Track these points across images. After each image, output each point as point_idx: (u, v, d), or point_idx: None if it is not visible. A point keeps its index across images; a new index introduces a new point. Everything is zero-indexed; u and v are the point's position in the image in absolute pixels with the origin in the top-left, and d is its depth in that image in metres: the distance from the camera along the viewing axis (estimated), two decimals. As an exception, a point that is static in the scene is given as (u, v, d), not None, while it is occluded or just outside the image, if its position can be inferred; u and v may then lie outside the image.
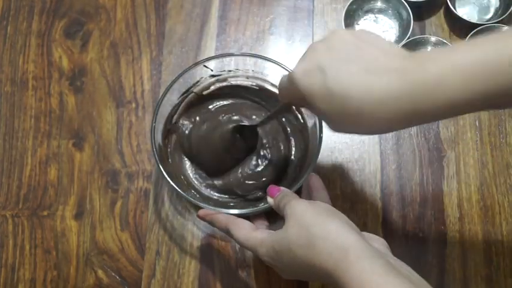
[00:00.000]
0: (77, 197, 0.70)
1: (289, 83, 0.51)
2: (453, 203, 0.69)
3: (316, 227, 0.50)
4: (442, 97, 0.44)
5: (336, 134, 0.71)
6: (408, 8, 0.74)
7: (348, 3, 0.75)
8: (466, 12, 0.77)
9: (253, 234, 0.56)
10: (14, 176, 0.72)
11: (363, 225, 0.68)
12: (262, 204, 0.61)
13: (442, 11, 0.77)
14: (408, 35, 0.73)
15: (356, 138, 0.72)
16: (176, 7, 0.79)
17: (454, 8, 0.75)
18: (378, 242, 0.54)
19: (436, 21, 0.76)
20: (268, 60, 0.67)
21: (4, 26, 0.78)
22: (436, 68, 0.44)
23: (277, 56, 0.76)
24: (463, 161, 0.71)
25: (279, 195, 0.58)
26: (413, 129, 0.72)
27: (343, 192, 0.70)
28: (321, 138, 0.63)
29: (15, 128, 0.74)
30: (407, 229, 0.68)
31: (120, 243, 0.68)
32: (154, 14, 0.78)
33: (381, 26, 0.77)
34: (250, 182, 0.67)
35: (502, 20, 0.74)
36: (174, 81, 0.65)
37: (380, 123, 0.46)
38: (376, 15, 0.77)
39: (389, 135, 0.72)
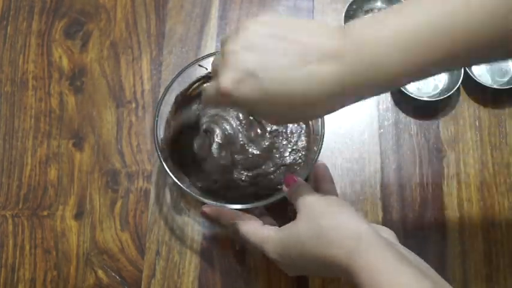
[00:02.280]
0: (77, 197, 0.70)
1: (219, 95, 0.47)
2: (453, 203, 0.69)
3: (326, 218, 0.50)
4: (381, 76, 0.43)
5: (336, 134, 0.72)
6: (408, 8, 0.74)
7: (348, 3, 0.75)
8: (466, 12, 0.77)
9: (260, 230, 0.56)
10: (14, 176, 0.72)
11: (363, 225, 0.68)
12: (266, 199, 0.61)
13: (442, 11, 0.77)
14: (408, 35, 0.73)
15: (356, 138, 0.72)
16: (176, 7, 0.79)
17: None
18: (387, 233, 0.54)
19: (436, 21, 0.76)
20: None
21: (4, 26, 0.78)
22: (371, 48, 0.43)
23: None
24: (463, 161, 0.71)
25: (293, 187, 0.56)
26: (413, 129, 0.72)
27: (343, 192, 0.70)
28: (322, 134, 0.63)
29: (15, 128, 0.74)
30: (407, 229, 0.68)
31: (120, 243, 0.68)
32: (154, 14, 0.78)
33: (381, 26, 0.77)
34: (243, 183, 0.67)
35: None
36: (174, 79, 0.66)
37: (325, 106, 0.47)
38: (376, 15, 0.78)
39: (390, 135, 0.72)
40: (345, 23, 0.74)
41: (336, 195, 0.60)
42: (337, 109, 0.48)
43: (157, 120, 0.64)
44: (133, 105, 0.74)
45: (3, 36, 0.78)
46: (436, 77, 0.74)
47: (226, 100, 0.47)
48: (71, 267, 0.68)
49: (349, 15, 0.76)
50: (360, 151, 0.71)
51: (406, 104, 0.73)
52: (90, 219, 0.69)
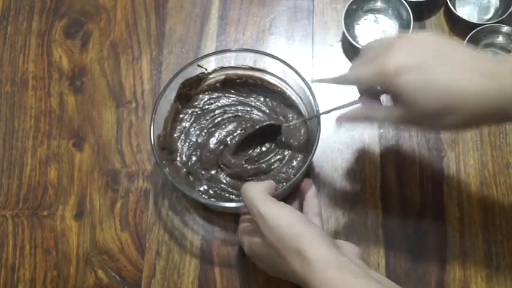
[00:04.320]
0: (77, 197, 0.70)
1: (379, 75, 0.52)
2: (453, 203, 0.69)
3: (290, 241, 0.51)
4: None
5: (336, 134, 0.72)
6: (408, 8, 0.74)
7: (348, 3, 0.75)
8: (466, 12, 0.77)
9: (244, 237, 0.60)
10: (14, 176, 0.72)
11: (363, 225, 0.68)
12: None
13: (442, 11, 0.77)
14: (408, 35, 0.73)
15: (356, 138, 0.72)
16: (176, 7, 0.79)
17: (454, 8, 0.75)
18: (350, 249, 0.56)
19: (436, 21, 0.76)
20: (265, 55, 0.68)
21: (4, 26, 0.78)
22: None
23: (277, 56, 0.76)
24: (463, 161, 0.71)
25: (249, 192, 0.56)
26: (414, 129, 0.72)
27: (343, 192, 0.70)
28: (318, 138, 0.63)
29: (15, 128, 0.74)
30: (407, 229, 0.68)
31: (120, 243, 0.68)
32: (154, 14, 0.78)
33: (381, 26, 0.77)
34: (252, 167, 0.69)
35: (502, 20, 0.73)
36: (172, 78, 0.66)
37: (470, 118, 0.51)
38: (376, 15, 0.77)
39: (390, 135, 0.72)
40: (345, 23, 0.74)
41: (319, 210, 0.62)
42: (474, 123, 0.54)
43: (154, 118, 0.64)
44: (133, 105, 0.74)
45: (3, 36, 0.78)
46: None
47: (384, 81, 0.52)
48: (71, 267, 0.68)
49: (349, 15, 0.76)
50: (360, 151, 0.71)
51: (406, 104, 0.73)
52: (90, 219, 0.69)
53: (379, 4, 0.77)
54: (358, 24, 0.77)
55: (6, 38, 0.78)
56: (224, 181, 0.68)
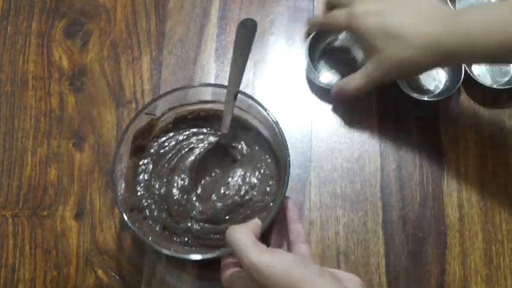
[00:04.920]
0: (77, 197, 0.70)
1: (347, 18, 0.65)
2: (453, 203, 0.69)
3: (290, 287, 0.49)
4: (471, 43, 0.59)
5: (336, 134, 0.72)
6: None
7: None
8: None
9: (234, 283, 0.57)
10: (14, 176, 0.72)
11: (362, 225, 0.68)
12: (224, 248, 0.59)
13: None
14: (408, 35, 0.73)
15: (356, 138, 0.72)
16: (176, 7, 0.79)
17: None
18: (350, 280, 0.54)
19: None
20: (206, 86, 0.66)
21: (4, 26, 0.78)
22: (467, 21, 0.60)
23: (277, 56, 0.76)
24: (463, 161, 0.71)
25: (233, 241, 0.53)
26: (414, 130, 0.72)
27: (343, 192, 0.70)
28: (289, 162, 0.61)
29: (15, 128, 0.74)
30: (407, 229, 0.68)
31: (120, 243, 0.68)
32: (154, 14, 0.78)
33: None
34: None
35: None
36: (123, 135, 0.63)
37: (426, 59, 0.61)
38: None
39: (390, 135, 0.72)
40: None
41: (304, 234, 0.59)
42: (427, 66, 0.65)
43: (114, 180, 0.61)
44: (133, 105, 0.74)
45: (3, 36, 0.78)
46: (436, 77, 0.74)
47: (352, 24, 0.65)
48: (71, 267, 0.68)
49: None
50: (360, 151, 0.71)
51: (407, 104, 0.73)
52: (90, 219, 0.69)
53: None
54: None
55: (6, 38, 0.78)
56: (201, 229, 0.63)
